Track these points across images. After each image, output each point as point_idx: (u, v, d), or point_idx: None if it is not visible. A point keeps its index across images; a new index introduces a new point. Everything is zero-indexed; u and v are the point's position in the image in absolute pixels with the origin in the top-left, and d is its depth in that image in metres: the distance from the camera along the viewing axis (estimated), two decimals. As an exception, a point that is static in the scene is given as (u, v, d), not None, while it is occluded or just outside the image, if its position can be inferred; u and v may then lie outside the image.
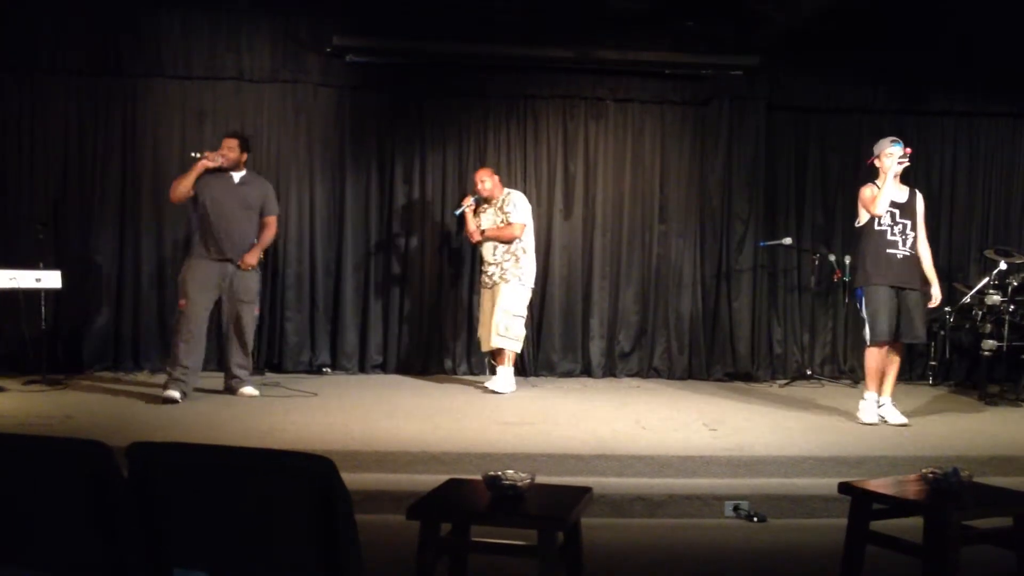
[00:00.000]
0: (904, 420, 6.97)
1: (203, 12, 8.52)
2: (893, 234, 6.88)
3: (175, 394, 7.09)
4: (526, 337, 8.87)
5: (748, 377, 8.94)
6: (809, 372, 8.98)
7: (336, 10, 8.56)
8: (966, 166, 9.37)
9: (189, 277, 7.22)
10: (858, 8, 7.63)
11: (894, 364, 7.05)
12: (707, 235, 9.12)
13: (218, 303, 7.37)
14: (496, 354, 7.98)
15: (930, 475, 4.02)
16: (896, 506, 4.19)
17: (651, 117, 9.13)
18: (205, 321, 7.28)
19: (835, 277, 8.85)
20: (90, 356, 8.49)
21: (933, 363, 8.92)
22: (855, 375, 9.03)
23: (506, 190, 8.10)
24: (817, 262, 8.95)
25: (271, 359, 8.72)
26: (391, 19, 8.56)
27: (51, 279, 7.81)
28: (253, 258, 7.35)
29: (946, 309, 8.71)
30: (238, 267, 7.27)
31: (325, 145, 8.82)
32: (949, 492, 3.95)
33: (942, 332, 8.79)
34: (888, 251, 6.87)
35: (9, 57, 8.33)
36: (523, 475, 3.66)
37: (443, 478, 4.23)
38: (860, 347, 9.18)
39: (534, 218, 8.96)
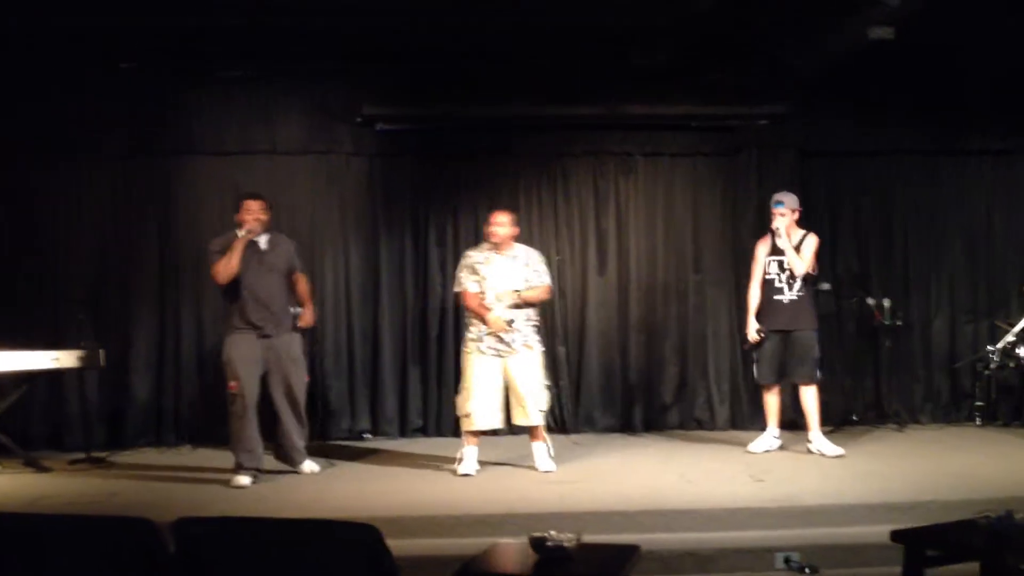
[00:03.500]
0: (839, 451, 7.53)
1: (235, 87, 8.65)
2: (780, 281, 7.57)
3: (246, 480, 6.82)
4: (568, 393, 8.89)
5: (792, 425, 8.81)
6: (855, 417, 8.87)
7: (365, 80, 8.67)
8: (1003, 204, 9.26)
9: (235, 356, 6.89)
10: (883, 49, 7.63)
11: (802, 403, 7.74)
12: (743, 284, 9.05)
13: (264, 379, 7.05)
14: (535, 430, 7.20)
15: (984, 519, 3.95)
16: (951, 552, 4.12)
17: (681, 170, 9.14)
18: (256, 397, 6.97)
19: (875, 320, 8.78)
20: (133, 432, 8.51)
21: (980, 404, 8.78)
22: (900, 419, 8.92)
23: (523, 246, 7.44)
24: (856, 306, 8.90)
25: (312, 427, 8.71)
26: (419, 86, 8.67)
27: (93, 358, 7.83)
28: (311, 316, 7.26)
29: (988, 348, 8.60)
30: (277, 335, 6.98)
31: (359, 213, 8.90)
32: (1005, 535, 3.88)
33: (987, 372, 8.67)
34: (775, 298, 7.59)
35: (46, 139, 8.46)
36: (569, 535, 3.64)
37: (488, 540, 4.21)
38: (904, 390, 9.14)
39: (568, 275, 9.02)
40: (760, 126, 8.94)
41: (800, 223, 7.73)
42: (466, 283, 7.22)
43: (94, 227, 8.61)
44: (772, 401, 7.76)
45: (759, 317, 7.68)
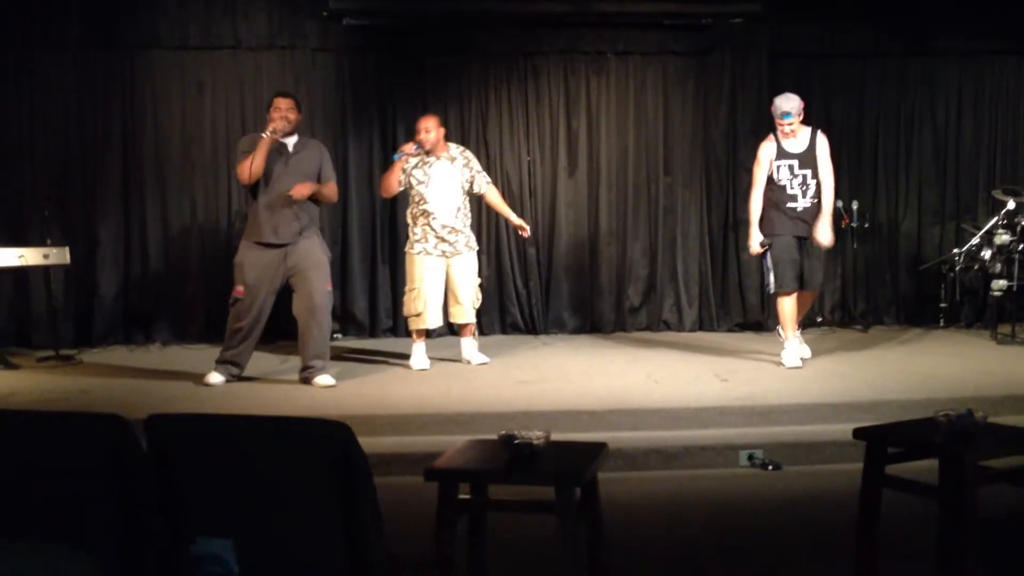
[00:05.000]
0: (806, 354, 7.41)
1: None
2: (793, 187, 7.07)
3: (217, 379, 6.71)
4: (537, 295, 8.94)
5: (759, 327, 8.94)
6: (820, 319, 8.97)
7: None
8: (971, 106, 9.28)
9: (246, 262, 6.61)
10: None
11: (796, 307, 7.31)
12: (713, 186, 9.08)
13: (284, 290, 6.81)
14: (466, 327, 7.53)
15: (944, 417, 4.02)
16: (911, 449, 4.20)
17: (653, 69, 9.05)
18: (264, 311, 6.71)
19: (843, 224, 8.81)
20: (101, 331, 8.51)
21: (943, 305, 8.90)
22: (865, 320, 9.03)
23: (455, 145, 7.50)
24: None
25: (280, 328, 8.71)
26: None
27: (59, 255, 7.77)
28: (305, 189, 6.58)
29: (954, 251, 8.69)
30: (296, 241, 6.63)
31: (326, 110, 8.77)
32: (964, 433, 3.95)
33: (951, 274, 8.77)
34: (789, 204, 7.08)
35: (5, 35, 8.27)
36: (538, 433, 3.67)
37: (458, 439, 4.25)
38: (871, 291, 9.25)
39: (539, 175, 8.98)
40: (732, 25, 8.84)
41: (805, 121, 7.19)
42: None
43: (56, 122, 8.45)
44: (793, 307, 7.22)
45: (765, 224, 7.15)
